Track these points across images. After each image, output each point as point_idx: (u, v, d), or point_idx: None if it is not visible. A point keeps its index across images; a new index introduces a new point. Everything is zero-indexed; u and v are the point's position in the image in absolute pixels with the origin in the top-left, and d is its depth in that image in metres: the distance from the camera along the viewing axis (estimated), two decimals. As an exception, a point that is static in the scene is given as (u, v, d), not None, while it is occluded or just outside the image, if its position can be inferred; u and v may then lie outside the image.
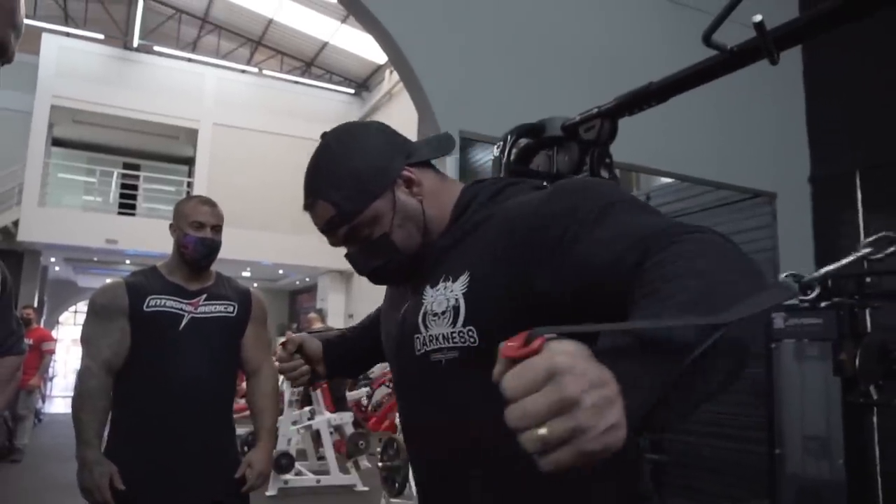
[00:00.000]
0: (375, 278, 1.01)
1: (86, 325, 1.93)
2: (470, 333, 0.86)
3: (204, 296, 1.97)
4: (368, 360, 1.39)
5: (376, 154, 0.96)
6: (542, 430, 0.48)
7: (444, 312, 0.89)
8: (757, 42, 1.42)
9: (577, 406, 0.48)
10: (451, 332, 0.88)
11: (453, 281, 0.90)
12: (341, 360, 1.30)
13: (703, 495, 3.74)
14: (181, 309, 1.91)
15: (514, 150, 1.93)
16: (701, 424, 4.04)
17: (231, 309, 1.99)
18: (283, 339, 1.33)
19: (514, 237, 0.84)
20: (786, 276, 2.84)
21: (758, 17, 1.30)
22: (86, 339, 1.91)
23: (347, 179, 0.94)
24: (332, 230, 0.97)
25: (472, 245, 0.91)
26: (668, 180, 4.59)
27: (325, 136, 1.00)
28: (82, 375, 1.88)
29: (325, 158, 0.97)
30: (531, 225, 0.83)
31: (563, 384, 0.48)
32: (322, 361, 1.27)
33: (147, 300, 1.88)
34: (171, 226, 1.99)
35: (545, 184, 1.32)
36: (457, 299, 0.88)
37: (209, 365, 1.91)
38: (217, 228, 1.98)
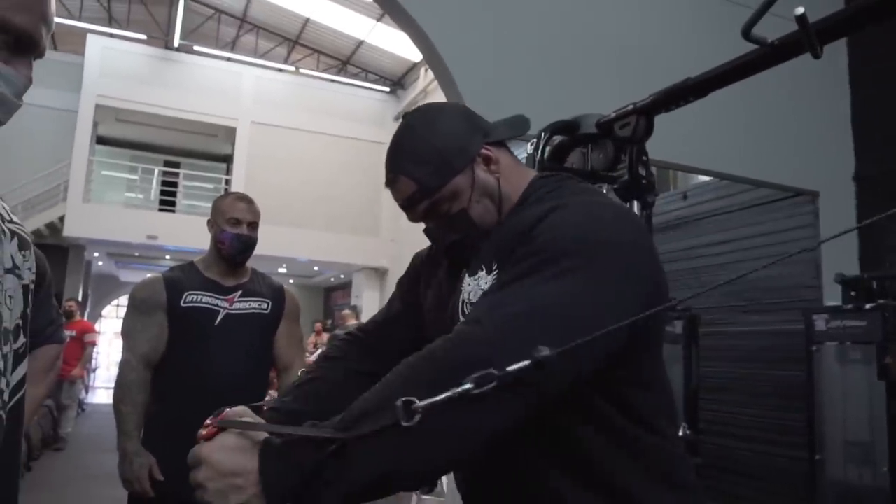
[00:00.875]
0: (453, 252, 1.02)
1: (126, 319, 1.98)
2: None
3: (239, 292, 2.00)
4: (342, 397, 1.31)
5: (456, 132, 0.99)
6: (198, 492, 0.73)
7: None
8: (799, 35, 1.37)
9: (203, 489, 0.71)
10: None
11: (487, 272, 0.92)
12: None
13: (740, 501, 3.66)
14: (217, 305, 1.94)
15: (548, 148, 1.91)
16: (738, 427, 3.96)
17: (265, 306, 2.02)
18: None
19: (512, 246, 0.88)
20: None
21: (800, 10, 1.26)
22: (126, 333, 1.96)
23: (429, 156, 0.97)
24: (412, 206, 0.99)
25: (505, 238, 0.92)
26: (707, 178, 4.51)
27: (406, 115, 1.04)
28: (122, 368, 1.94)
29: (407, 136, 1.00)
30: (519, 238, 0.87)
31: (198, 472, 0.73)
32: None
33: (184, 296, 1.92)
34: (208, 222, 2.03)
35: (603, 187, 1.34)
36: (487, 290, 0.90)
37: (243, 361, 1.94)
38: (253, 225, 2.01)
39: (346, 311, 8.01)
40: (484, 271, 0.93)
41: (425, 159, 0.97)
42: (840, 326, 2.79)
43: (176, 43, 13.94)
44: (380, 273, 14.83)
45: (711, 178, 4.24)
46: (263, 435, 0.73)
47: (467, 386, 0.66)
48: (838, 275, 2.70)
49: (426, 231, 1.04)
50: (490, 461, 0.89)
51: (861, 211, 3.91)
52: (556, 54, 3.27)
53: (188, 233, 12.00)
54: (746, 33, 1.42)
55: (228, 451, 0.71)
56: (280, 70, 15.14)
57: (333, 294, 18.72)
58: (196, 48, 14.13)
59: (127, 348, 1.93)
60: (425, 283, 1.14)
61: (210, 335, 1.91)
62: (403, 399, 0.66)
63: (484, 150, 0.99)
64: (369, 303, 14.45)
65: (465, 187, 0.97)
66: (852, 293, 2.66)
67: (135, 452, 1.83)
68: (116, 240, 12.59)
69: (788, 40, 1.43)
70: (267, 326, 2.03)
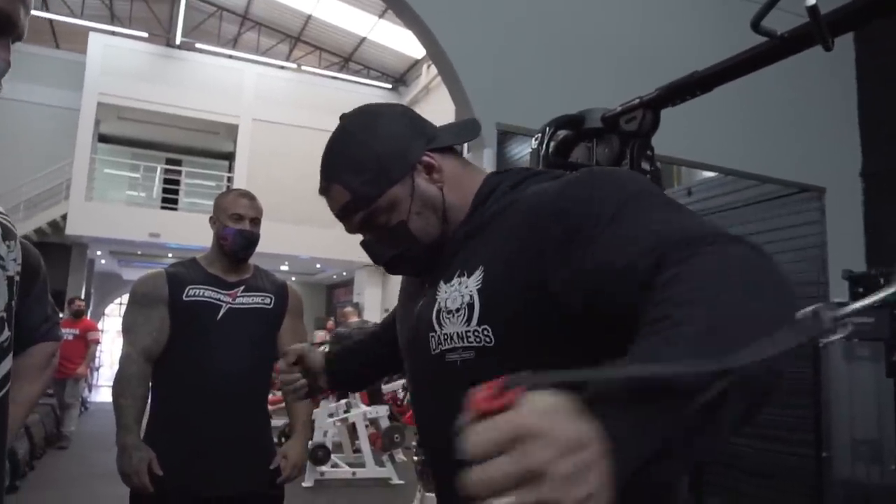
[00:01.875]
0: (392, 268, 0.96)
1: (127, 314, 1.96)
2: (485, 333, 0.81)
3: (242, 287, 1.99)
4: (380, 370, 1.33)
5: (396, 137, 0.91)
6: (504, 501, 0.43)
7: (458, 310, 0.84)
8: (809, 27, 1.35)
9: (544, 477, 0.42)
10: (466, 331, 0.83)
11: (468, 276, 0.85)
12: (345, 374, 1.25)
13: (745, 498, 3.64)
14: (219, 299, 1.93)
15: (552, 143, 1.89)
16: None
17: (268, 301, 2.01)
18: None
19: (530, 229, 0.79)
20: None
21: (811, 1, 1.24)
22: (127, 327, 1.94)
23: (364, 163, 0.89)
24: (347, 216, 0.93)
25: (489, 237, 0.86)
26: (712, 174, 4.48)
27: (343, 118, 0.95)
28: (122, 362, 1.92)
29: (342, 141, 0.92)
30: (546, 216, 0.77)
31: (529, 451, 0.43)
32: (323, 374, 1.21)
33: (186, 290, 1.91)
34: (210, 218, 2.02)
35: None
36: (471, 296, 0.83)
37: (246, 356, 1.92)
38: (256, 221, 1.99)
39: (349, 309, 8.00)
40: (465, 276, 0.85)
41: (361, 167, 0.89)
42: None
43: (178, 40, 13.93)
44: (381, 270, 14.74)
45: (717, 173, 4.21)
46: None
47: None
48: (845, 271, 2.67)
49: (363, 244, 0.97)
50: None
51: (868, 207, 3.88)
52: (561, 48, 3.24)
53: (190, 230, 12.00)
54: (756, 25, 1.40)
55: (562, 414, 0.45)
56: (282, 67, 15.13)
57: (336, 291, 18.72)
58: (198, 46, 14.13)
59: (128, 342, 1.92)
60: (400, 291, 1.11)
61: (212, 329, 1.90)
62: (818, 306, 0.51)
63: (426, 158, 0.91)
64: (371, 299, 14.46)
65: (404, 198, 0.90)
66: (859, 289, 2.64)
67: (134, 446, 1.81)
68: (119, 238, 12.60)
69: (799, 32, 1.41)
70: (270, 321, 2.02)
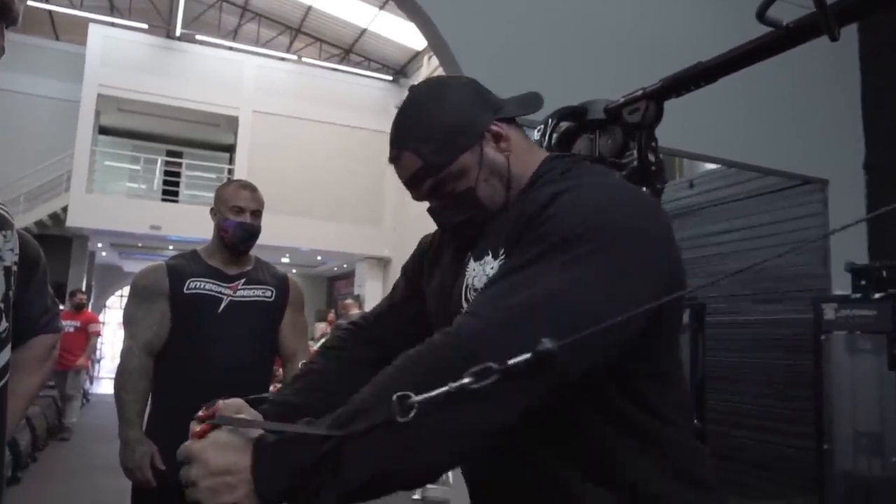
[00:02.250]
0: (458, 234, 0.98)
1: (128, 307, 1.96)
2: None
3: (243, 280, 1.98)
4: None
5: (465, 107, 0.93)
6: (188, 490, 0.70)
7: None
8: (815, 17, 1.34)
9: (195, 487, 0.68)
10: None
11: (493, 257, 0.88)
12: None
13: (747, 489, 3.64)
14: (220, 292, 1.92)
15: (555, 134, 1.88)
16: (745, 417, 3.94)
17: (269, 294, 2.00)
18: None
19: (519, 229, 0.83)
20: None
21: (818, -10, 1.23)
22: (128, 320, 1.93)
23: (435, 131, 0.92)
24: (416, 183, 0.95)
25: (514, 221, 0.87)
26: (714, 166, 4.46)
27: (412, 88, 0.98)
28: (124, 356, 1.92)
29: (413, 110, 0.95)
30: (528, 222, 0.82)
31: (190, 468, 0.69)
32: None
33: (187, 283, 1.90)
34: (211, 210, 2.00)
35: (615, 169, 1.27)
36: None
37: (247, 348, 1.92)
38: (257, 213, 1.98)
39: (349, 301, 8.01)
40: (490, 256, 0.88)
41: (431, 135, 0.91)
42: (849, 316, 2.76)
43: (178, 32, 13.87)
44: (382, 262, 14.82)
45: (719, 165, 4.20)
46: (258, 432, 0.70)
47: (465, 380, 0.63)
48: (849, 263, 2.66)
49: (430, 211, 0.99)
50: (499, 455, 0.86)
51: (871, 200, 3.86)
52: (563, 39, 3.22)
53: (191, 223, 12.00)
54: (761, 15, 1.38)
55: (221, 448, 0.69)
56: (282, 59, 15.08)
57: (337, 283, 18.73)
58: (198, 37, 14.07)
59: (129, 335, 1.91)
60: (430, 268, 1.09)
61: (213, 322, 1.89)
62: (399, 394, 0.64)
63: (494, 127, 0.93)
64: (372, 292, 14.45)
65: (473, 165, 0.92)
66: (862, 282, 2.63)
67: (136, 440, 1.81)
68: (120, 230, 12.59)
69: (804, 22, 1.39)
70: (271, 314, 2.01)
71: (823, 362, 2.89)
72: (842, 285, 3.31)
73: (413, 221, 12.40)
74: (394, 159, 0.96)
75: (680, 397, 0.90)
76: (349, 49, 15.61)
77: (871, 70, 3.97)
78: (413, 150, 0.93)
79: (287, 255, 14.86)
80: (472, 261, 0.92)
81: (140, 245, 14.60)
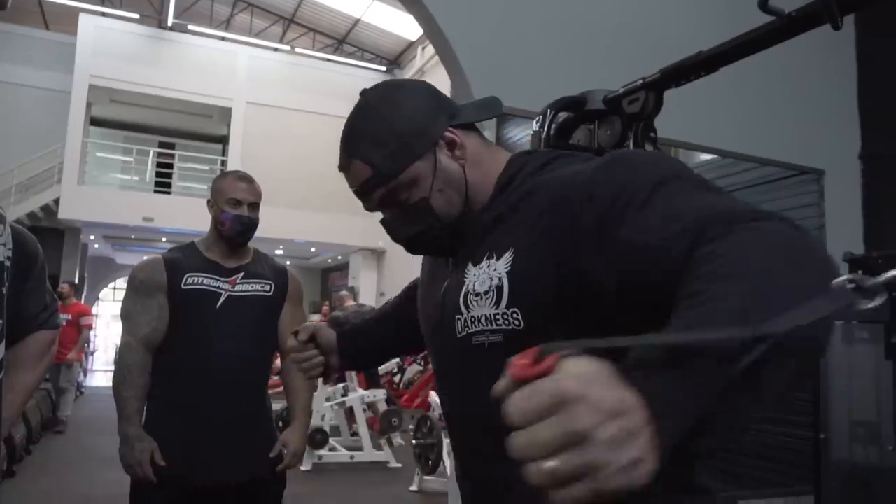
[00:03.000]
0: (412, 247, 0.95)
1: (125, 301, 1.94)
2: (514, 316, 0.81)
3: (241, 274, 1.96)
4: (390, 351, 1.33)
5: (418, 113, 0.89)
6: (550, 464, 0.43)
7: (486, 293, 0.83)
8: (818, 6, 1.33)
9: (589, 440, 0.42)
10: (495, 314, 0.82)
11: (497, 259, 0.84)
12: (357, 353, 1.23)
13: (744, 480, 3.66)
14: (218, 287, 1.91)
15: (553, 125, 1.87)
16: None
17: (268, 288, 1.99)
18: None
19: (561, 211, 0.78)
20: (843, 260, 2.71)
21: (822, -22, 1.22)
22: (126, 315, 1.92)
23: (386, 138, 0.88)
24: (367, 192, 0.91)
25: (519, 219, 0.84)
26: (709, 156, 4.46)
27: (364, 92, 0.94)
28: (122, 351, 1.90)
29: (363, 116, 0.91)
30: (578, 199, 0.76)
31: (573, 415, 0.43)
32: (335, 352, 1.20)
33: (185, 277, 1.88)
34: (208, 202, 1.98)
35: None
36: (500, 279, 0.82)
37: (246, 343, 1.90)
38: (254, 206, 1.97)
39: (344, 293, 7.99)
40: (494, 258, 0.84)
41: (383, 142, 0.88)
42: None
43: (170, 22, 13.77)
44: (377, 254, 14.81)
45: (714, 156, 4.19)
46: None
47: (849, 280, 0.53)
48: (847, 253, 2.66)
49: (383, 222, 0.95)
50: (498, 447, 0.85)
51: (867, 190, 3.87)
52: (562, 28, 3.20)
53: (184, 214, 11.96)
54: (763, 4, 1.37)
55: (603, 380, 0.45)
56: (275, 49, 14.99)
57: (331, 275, 18.71)
58: (190, 27, 13.96)
59: (127, 330, 1.89)
60: (423, 270, 1.08)
61: (212, 317, 1.87)
62: (852, 276, 0.52)
63: (448, 134, 0.90)
64: (367, 283, 14.45)
65: (426, 174, 0.88)
66: (859, 272, 2.63)
67: (136, 437, 1.80)
68: (112, 222, 12.54)
69: (807, 11, 1.39)
70: (270, 308, 1.99)
71: (820, 352, 2.90)
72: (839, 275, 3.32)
73: (407, 213, 12.36)
74: (343, 167, 0.92)
75: None
76: (343, 39, 15.53)
77: (868, 60, 3.97)
78: (363, 158, 0.89)
79: (281, 246, 14.83)
80: (470, 265, 0.88)
81: (133, 237, 14.54)
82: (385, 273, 14.57)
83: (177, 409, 1.87)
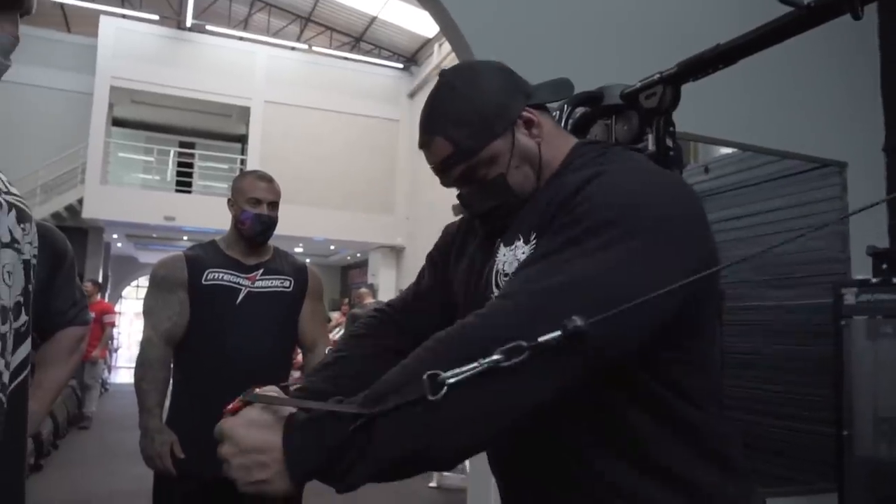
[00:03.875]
0: (488, 221, 0.97)
1: (147, 297, 1.97)
2: None
3: (261, 270, 1.98)
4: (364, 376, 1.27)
5: (497, 92, 0.92)
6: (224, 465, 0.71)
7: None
8: (838, -5, 1.31)
9: (228, 464, 0.70)
10: None
11: (525, 242, 0.87)
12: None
13: (766, 477, 3.62)
14: (238, 283, 1.93)
15: (570, 120, 1.86)
16: (764, 403, 3.91)
17: (287, 284, 2.00)
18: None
19: (551, 214, 0.83)
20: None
21: (842, -33, 1.20)
22: (147, 311, 1.95)
23: (468, 116, 0.90)
24: (447, 169, 0.93)
25: (545, 205, 0.87)
26: (729, 150, 4.41)
27: (444, 73, 0.96)
28: (144, 346, 1.93)
29: (445, 95, 0.93)
30: (560, 206, 0.82)
31: (223, 446, 0.71)
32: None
33: (206, 273, 1.90)
34: (228, 201, 2.00)
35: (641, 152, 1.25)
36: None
37: (265, 339, 1.92)
38: (274, 205, 1.98)
39: (363, 290, 8.03)
40: (521, 241, 0.88)
41: (464, 120, 0.90)
42: (870, 300, 2.73)
43: (188, 22, 13.89)
44: (396, 251, 14.84)
45: (734, 149, 4.15)
46: (289, 411, 0.71)
47: (496, 357, 0.63)
48: (870, 247, 2.62)
49: (459, 197, 0.98)
50: (532, 442, 0.86)
51: (891, 182, 3.80)
52: (578, 22, 3.18)
53: (205, 213, 12.07)
54: (781, -5, 1.35)
55: (252, 426, 0.70)
56: (293, 48, 15.06)
57: (350, 272, 18.79)
58: (208, 27, 14.07)
59: (148, 326, 1.92)
60: (457, 255, 1.08)
61: (232, 313, 1.89)
62: (429, 372, 0.64)
63: (525, 113, 0.92)
64: (385, 281, 14.49)
65: (505, 151, 0.91)
66: (883, 266, 2.59)
67: (157, 430, 1.83)
68: (134, 221, 12.69)
69: (826, 1, 1.37)
70: (290, 304, 2.01)
71: (843, 347, 2.86)
72: (862, 269, 3.26)
73: (425, 209, 12.39)
74: (424, 145, 0.95)
75: (713, 382, 0.89)
76: (359, 37, 15.56)
77: (891, 50, 3.90)
78: (444, 136, 0.91)
79: (300, 244, 14.91)
80: (502, 246, 0.91)
81: (154, 236, 14.71)
82: (404, 270, 14.59)
83: (197, 403, 1.89)
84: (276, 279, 1.99)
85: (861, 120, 3.86)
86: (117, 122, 14.88)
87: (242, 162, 14.48)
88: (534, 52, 3.05)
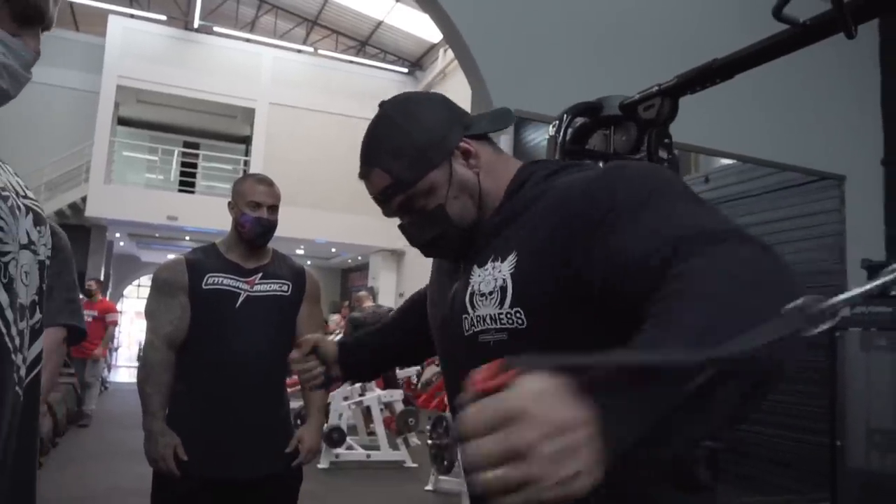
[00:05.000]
0: (429, 251, 1.00)
1: (149, 300, 2.00)
2: (517, 315, 0.85)
3: (260, 274, 2.01)
4: (392, 361, 1.38)
5: (435, 124, 0.94)
6: (493, 474, 0.46)
7: (491, 293, 0.88)
8: (832, 15, 1.34)
9: (530, 455, 0.45)
10: (499, 314, 0.87)
11: (501, 261, 0.88)
12: (358, 365, 1.27)
13: (759, 485, 3.65)
14: (237, 287, 1.96)
15: (569, 130, 1.89)
16: (758, 413, 3.93)
17: (286, 288, 2.03)
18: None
19: (560, 217, 0.83)
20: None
21: (834, -12, 1.23)
22: (149, 314, 1.98)
23: (405, 148, 0.92)
24: (386, 200, 0.96)
25: (522, 224, 0.89)
26: (729, 161, 4.44)
27: (383, 104, 0.99)
28: (146, 349, 1.97)
29: (383, 126, 0.96)
30: (576, 206, 0.81)
31: (517, 431, 0.46)
32: (336, 364, 1.24)
33: (205, 278, 1.93)
34: (229, 203, 2.03)
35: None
36: (504, 280, 0.86)
37: (264, 342, 1.95)
38: (273, 208, 2.01)
39: (363, 293, 8.05)
40: (499, 261, 0.89)
41: (401, 152, 0.92)
42: (865, 312, 2.75)
43: (196, 23, 13.97)
44: (397, 255, 14.87)
45: (734, 161, 4.17)
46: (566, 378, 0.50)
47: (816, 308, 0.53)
48: (865, 260, 2.65)
49: (400, 227, 1.00)
50: None
51: (889, 196, 3.82)
52: (580, 34, 3.22)
53: (208, 214, 12.11)
54: (777, 13, 1.39)
55: (550, 396, 0.48)
56: (299, 51, 15.12)
57: (351, 275, 18.82)
58: (216, 29, 14.15)
59: (150, 329, 1.96)
60: (434, 271, 1.12)
61: (231, 317, 1.92)
62: (805, 299, 0.52)
63: (463, 144, 0.94)
64: (386, 284, 14.52)
65: (443, 182, 0.93)
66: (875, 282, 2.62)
67: (160, 432, 1.86)
68: (137, 220, 12.73)
69: (821, 20, 1.40)
70: (288, 308, 2.04)
71: (838, 359, 2.88)
72: (858, 282, 3.29)
73: (427, 214, 12.41)
74: (363, 176, 0.98)
75: None
76: (365, 41, 15.63)
77: (891, 66, 3.93)
78: (382, 167, 0.94)
79: (302, 246, 14.95)
80: (476, 267, 0.92)
81: (157, 235, 14.76)
82: (404, 274, 14.63)
83: (198, 405, 1.92)
84: (274, 283, 2.02)
85: (860, 134, 3.89)
86: (123, 122, 14.94)
87: (246, 163, 14.53)
88: (535, 62, 3.09)
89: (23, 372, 0.84)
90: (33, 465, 0.88)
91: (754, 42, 1.54)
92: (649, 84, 1.74)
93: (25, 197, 0.90)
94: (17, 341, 0.82)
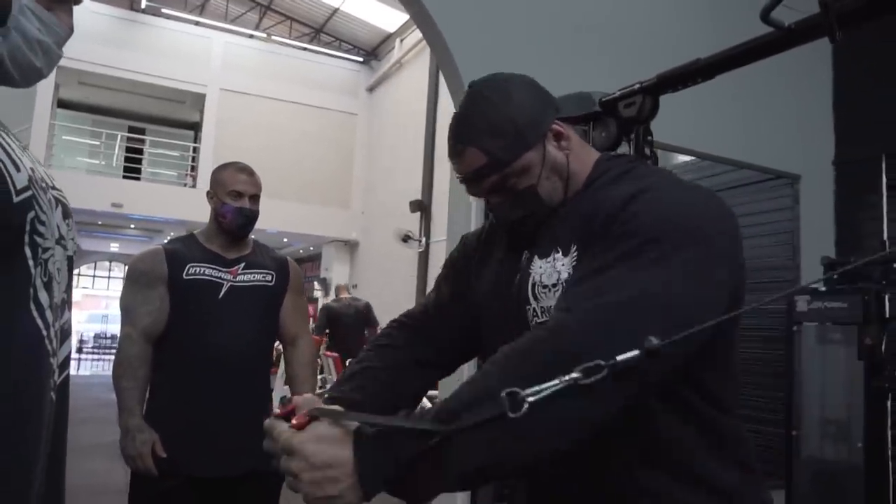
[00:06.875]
0: (517, 230, 1.00)
1: (125, 293, 1.92)
2: None
3: (242, 264, 1.96)
4: (407, 398, 1.31)
5: (531, 104, 0.95)
6: (287, 479, 0.73)
7: (554, 285, 0.90)
8: (817, 19, 1.38)
9: (297, 479, 0.71)
10: None
11: (564, 254, 0.90)
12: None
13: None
14: (220, 277, 1.90)
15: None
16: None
17: (269, 278, 1.99)
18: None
19: (595, 228, 0.86)
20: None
21: (825, -7, 1.26)
22: (126, 307, 1.90)
23: (503, 128, 0.92)
24: (478, 179, 0.95)
25: (582, 221, 0.90)
26: (688, 158, 4.54)
27: (474, 84, 0.98)
28: (122, 343, 1.88)
29: (480, 106, 0.95)
30: (606, 221, 0.85)
31: (291, 461, 0.72)
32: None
33: (186, 268, 1.87)
34: (207, 193, 1.98)
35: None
36: (568, 273, 0.88)
37: (248, 333, 1.90)
38: (255, 198, 1.97)
39: (341, 284, 7.90)
40: (560, 253, 0.90)
41: (499, 131, 0.92)
42: (821, 308, 2.87)
43: (143, 4, 13.47)
44: (350, 246, 14.73)
45: (693, 158, 4.28)
46: (356, 425, 0.72)
47: (575, 375, 0.65)
48: (824, 257, 2.76)
49: (489, 207, 1.01)
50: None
51: (839, 196, 3.99)
52: (559, 30, 3.23)
53: (154, 201, 11.76)
54: (765, 16, 1.42)
55: (322, 441, 0.71)
56: (251, 36, 14.76)
57: (303, 266, 18.57)
58: (164, 10, 13.68)
59: (127, 322, 1.88)
60: (479, 265, 1.10)
61: (214, 308, 1.87)
62: (509, 390, 0.64)
63: (556, 126, 0.96)
64: (339, 275, 14.37)
65: (537, 163, 0.94)
66: (835, 275, 2.73)
67: (137, 428, 1.79)
68: (78, 207, 12.21)
69: (806, 24, 1.44)
70: (272, 298, 2.00)
71: (795, 352, 3.00)
72: (811, 277, 3.42)
73: (381, 205, 12.36)
74: (457, 154, 0.96)
75: (736, 387, 0.94)
76: (320, 29, 15.36)
77: (843, 69, 4.09)
78: (479, 146, 0.93)
79: (252, 236, 14.64)
80: (536, 258, 0.94)
81: (100, 223, 14.24)
82: (357, 265, 14.51)
83: (178, 400, 1.86)
84: (258, 273, 1.97)
85: (814, 135, 4.04)
86: (63, 104, 14.34)
87: (195, 150, 14.14)
88: (511, 57, 3.08)
89: (56, 376, 0.81)
90: (63, 468, 0.86)
91: (734, 45, 1.57)
92: (626, 79, 1.76)
93: (54, 188, 0.86)
94: (55, 343, 0.78)
